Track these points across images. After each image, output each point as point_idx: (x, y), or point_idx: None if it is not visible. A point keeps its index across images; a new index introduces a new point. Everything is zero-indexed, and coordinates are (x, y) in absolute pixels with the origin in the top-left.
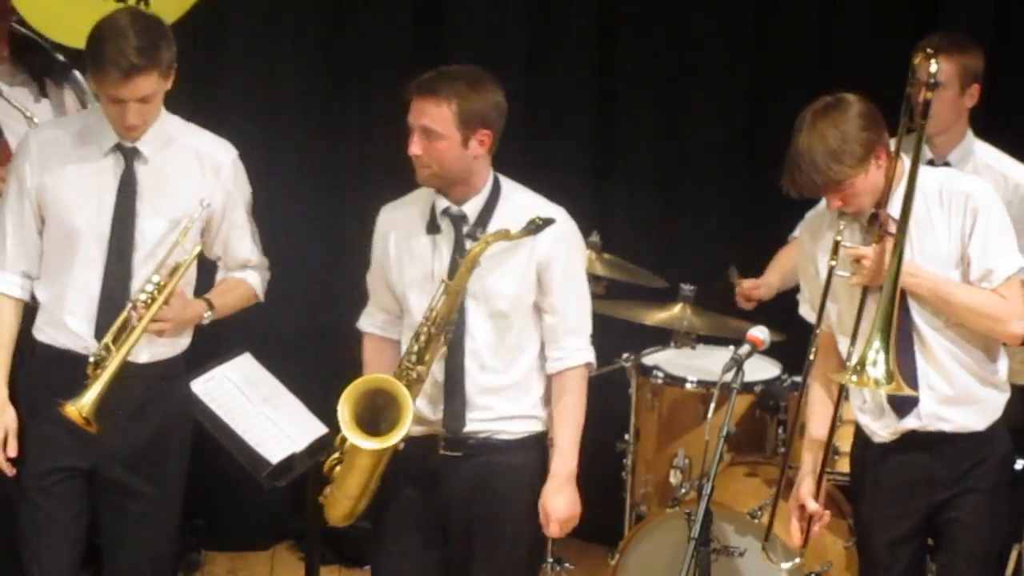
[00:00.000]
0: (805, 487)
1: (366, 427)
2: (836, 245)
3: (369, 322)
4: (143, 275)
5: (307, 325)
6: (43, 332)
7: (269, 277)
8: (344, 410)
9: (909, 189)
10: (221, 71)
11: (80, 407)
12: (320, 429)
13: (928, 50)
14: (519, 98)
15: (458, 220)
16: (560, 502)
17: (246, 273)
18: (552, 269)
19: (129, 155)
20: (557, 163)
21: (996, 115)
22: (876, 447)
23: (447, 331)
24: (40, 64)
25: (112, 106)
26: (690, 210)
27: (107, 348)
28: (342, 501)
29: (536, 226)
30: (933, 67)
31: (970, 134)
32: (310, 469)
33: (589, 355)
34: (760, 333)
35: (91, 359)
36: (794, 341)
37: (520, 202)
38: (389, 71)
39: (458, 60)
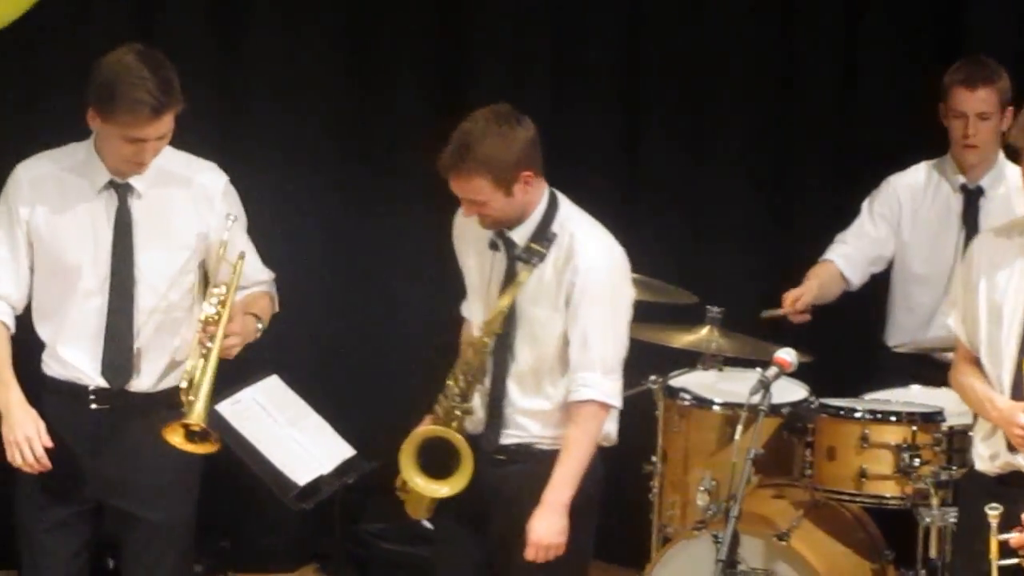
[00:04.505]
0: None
1: (428, 462)
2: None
3: (466, 308)
4: (144, 308)
5: (334, 346)
6: (48, 367)
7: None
8: (406, 462)
9: None
10: (243, 97)
11: (194, 418)
12: (347, 451)
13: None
14: (545, 119)
15: (510, 243)
16: (543, 527)
17: (259, 288)
18: (576, 299)
19: (122, 191)
20: (582, 184)
21: None
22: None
23: (482, 377)
24: None
25: (127, 145)
26: (716, 231)
27: (193, 372)
28: (419, 503)
29: (538, 256)
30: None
31: (1001, 157)
32: (337, 491)
33: (597, 393)
34: (787, 355)
35: (182, 384)
36: (821, 363)
37: (570, 229)
38: (413, 105)
39: (484, 90)
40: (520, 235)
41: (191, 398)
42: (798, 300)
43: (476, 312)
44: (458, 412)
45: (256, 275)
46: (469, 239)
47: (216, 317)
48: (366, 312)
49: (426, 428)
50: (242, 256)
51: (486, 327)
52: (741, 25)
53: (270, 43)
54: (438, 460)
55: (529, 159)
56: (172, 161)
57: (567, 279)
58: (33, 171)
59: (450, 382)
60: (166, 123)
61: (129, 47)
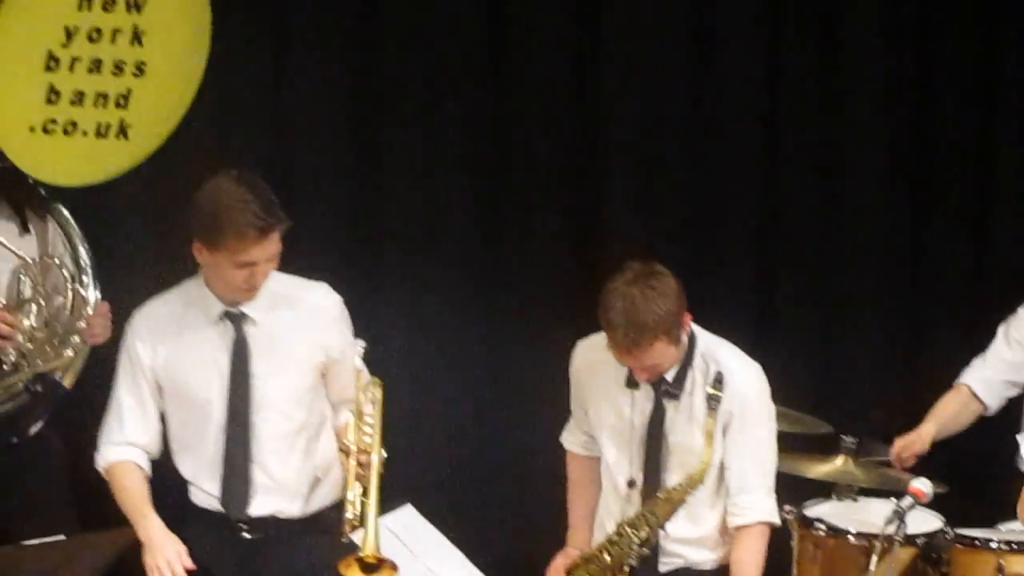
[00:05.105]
0: None
1: None
2: None
3: (572, 440)
4: (268, 434)
5: (468, 476)
6: (196, 496)
7: None
8: None
9: None
10: (377, 226)
11: (368, 551)
12: None
13: None
14: (682, 259)
15: (656, 380)
16: None
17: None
18: (735, 426)
19: (238, 321)
20: (717, 314)
21: None
22: None
23: (666, 524)
24: (19, 197)
25: (238, 271)
26: (850, 362)
27: (354, 502)
28: None
29: (716, 400)
30: None
31: None
32: None
33: (763, 513)
34: (922, 485)
35: (347, 516)
36: (957, 493)
37: (712, 357)
38: (546, 252)
39: (619, 240)
40: (669, 372)
41: (360, 529)
42: (906, 449)
43: (612, 451)
44: (633, 560)
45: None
46: (597, 376)
47: (368, 445)
48: (500, 442)
49: None
50: (379, 383)
51: (689, 481)
52: (873, 159)
53: (404, 172)
54: None
55: (683, 305)
56: (283, 284)
57: (723, 408)
58: (149, 315)
59: (628, 529)
60: (273, 243)
61: (225, 174)
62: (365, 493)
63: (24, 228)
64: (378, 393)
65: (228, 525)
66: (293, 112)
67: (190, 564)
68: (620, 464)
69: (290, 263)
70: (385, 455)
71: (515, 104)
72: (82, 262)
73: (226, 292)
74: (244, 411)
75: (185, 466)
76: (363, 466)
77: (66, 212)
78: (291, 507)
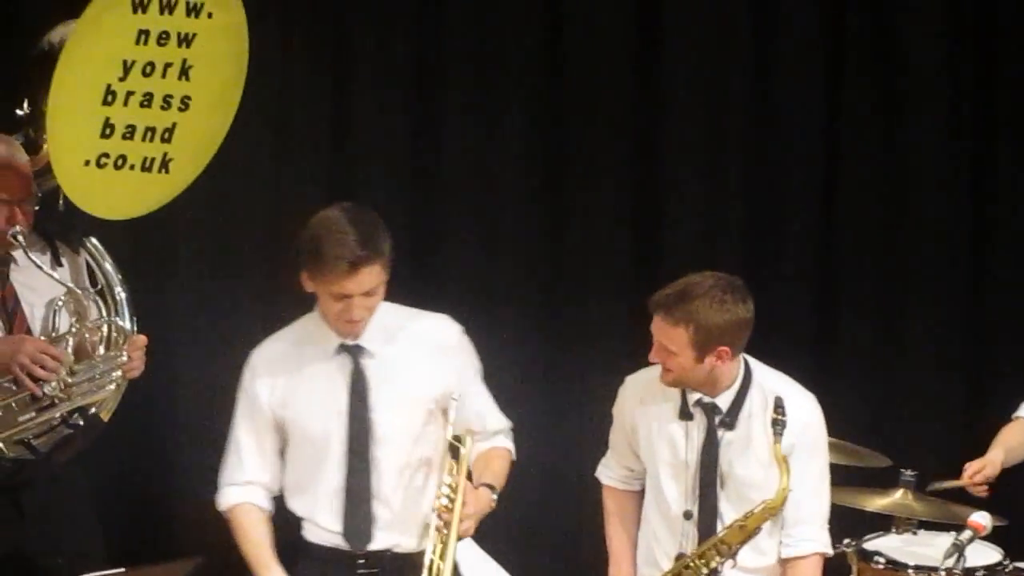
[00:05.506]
0: None
1: None
2: None
3: (609, 475)
4: (387, 468)
5: (528, 504)
6: (311, 532)
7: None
8: None
9: None
10: (439, 240)
11: None
12: None
13: None
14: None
15: (710, 410)
16: None
17: (497, 439)
18: (791, 458)
19: (355, 353)
20: (775, 345)
21: None
22: None
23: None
24: (51, 230)
25: (335, 303)
26: (909, 395)
27: (432, 562)
28: None
29: (782, 424)
30: None
31: None
32: None
33: (819, 545)
34: (982, 519)
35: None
36: (1016, 526)
37: (770, 388)
38: (607, 264)
39: (677, 254)
40: (724, 400)
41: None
42: (978, 473)
43: (670, 483)
44: None
45: (494, 424)
46: (649, 410)
47: (449, 505)
48: (560, 473)
49: None
50: (470, 434)
51: (765, 509)
52: (933, 194)
53: (464, 186)
54: None
55: (733, 337)
56: (400, 317)
57: (785, 441)
58: (267, 353)
59: (697, 561)
60: (368, 278)
61: (337, 204)
62: (443, 552)
63: (57, 261)
64: (465, 452)
65: (344, 560)
66: (352, 136)
67: None
68: (676, 496)
69: None
70: (495, 497)
71: (575, 115)
72: (117, 294)
73: (333, 325)
74: (364, 444)
75: (300, 503)
76: (446, 524)
77: (99, 244)
78: (408, 542)
